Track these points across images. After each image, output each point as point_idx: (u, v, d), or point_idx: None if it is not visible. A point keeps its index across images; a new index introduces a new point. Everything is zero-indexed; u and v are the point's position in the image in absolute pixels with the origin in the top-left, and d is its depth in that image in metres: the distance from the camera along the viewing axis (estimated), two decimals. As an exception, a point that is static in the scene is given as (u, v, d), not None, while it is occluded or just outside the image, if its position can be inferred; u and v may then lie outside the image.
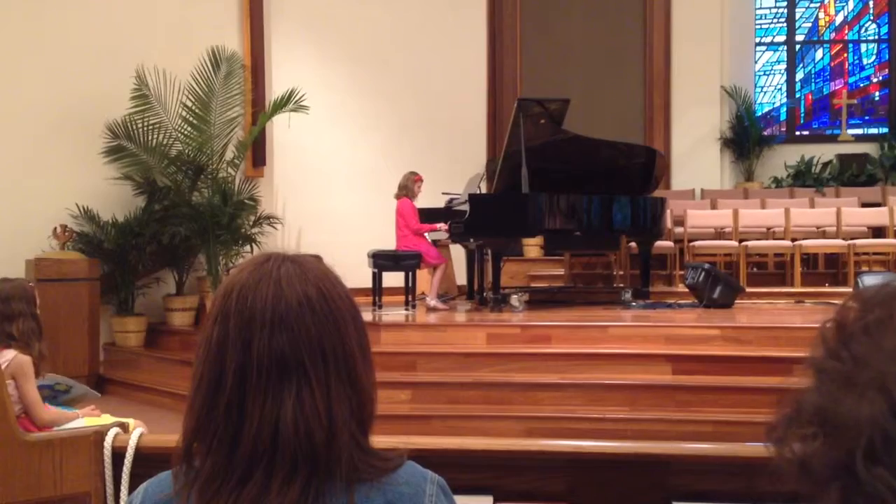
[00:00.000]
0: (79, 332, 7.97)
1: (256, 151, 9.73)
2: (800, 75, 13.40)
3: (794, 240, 9.66)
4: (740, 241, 9.74)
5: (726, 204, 10.70)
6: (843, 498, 0.59)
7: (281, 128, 9.74)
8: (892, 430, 0.56)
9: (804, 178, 12.36)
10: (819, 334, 0.66)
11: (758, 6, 13.30)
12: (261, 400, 1.14)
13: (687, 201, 11.23)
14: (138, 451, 1.92)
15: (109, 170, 8.68)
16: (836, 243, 9.61)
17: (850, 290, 8.22)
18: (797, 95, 13.37)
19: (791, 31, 13.37)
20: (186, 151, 8.85)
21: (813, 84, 13.39)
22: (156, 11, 9.15)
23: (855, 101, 13.06)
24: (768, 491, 0.65)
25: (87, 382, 7.93)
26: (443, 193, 9.02)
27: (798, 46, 13.41)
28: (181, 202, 8.70)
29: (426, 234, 8.48)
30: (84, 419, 4.10)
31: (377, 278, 8.46)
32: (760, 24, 13.35)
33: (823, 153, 12.58)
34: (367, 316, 7.41)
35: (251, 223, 9.08)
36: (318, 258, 1.28)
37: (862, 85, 13.28)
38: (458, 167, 10.55)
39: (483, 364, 6.56)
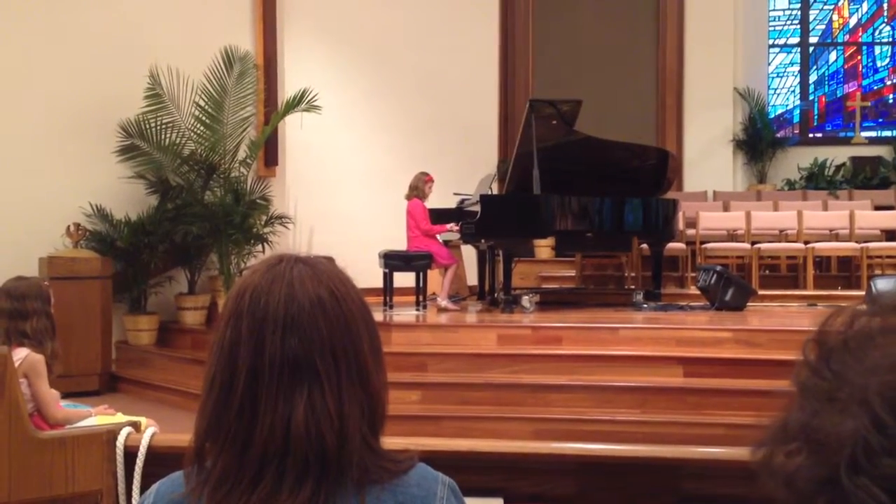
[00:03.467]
0: (91, 331, 8.00)
1: (269, 151, 9.75)
2: (813, 77, 13.35)
3: (806, 242, 9.62)
4: (752, 243, 9.71)
5: (739, 206, 10.66)
6: None
7: (293, 128, 9.76)
8: (874, 441, 0.57)
9: (817, 181, 12.31)
10: (802, 351, 0.67)
11: (771, 8, 13.26)
12: (272, 401, 1.15)
13: (699, 203, 11.19)
14: (150, 450, 1.93)
15: (122, 169, 8.72)
16: (849, 246, 9.57)
17: (862, 293, 8.18)
18: (810, 97, 13.32)
19: (805, 32, 13.32)
20: (199, 151, 8.88)
21: (826, 86, 13.34)
22: (169, 11, 9.19)
23: (869, 104, 13.00)
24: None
25: (99, 381, 8.01)
26: (454, 194, 9.03)
27: (812, 48, 13.36)
28: (193, 201, 8.73)
29: (437, 235, 8.48)
30: (96, 417, 4.11)
31: (388, 278, 8.47)
32: (774, 26, 13.30)
33: (836, 156, 12.52)
34: (377, 316, 7.40)
35: (263, 223, 9.11)
36: (330, 260, 1.29)
37: (876, 87, 13.22)
38: (469, 168, 10.55)
39: (493, 365, 6.56)
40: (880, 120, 13.08)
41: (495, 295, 8.89)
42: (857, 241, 9.63)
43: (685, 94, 12.38)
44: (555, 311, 8.14)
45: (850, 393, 0.61)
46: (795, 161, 12.66)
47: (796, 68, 13.36)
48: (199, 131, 8.91)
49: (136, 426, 2.06)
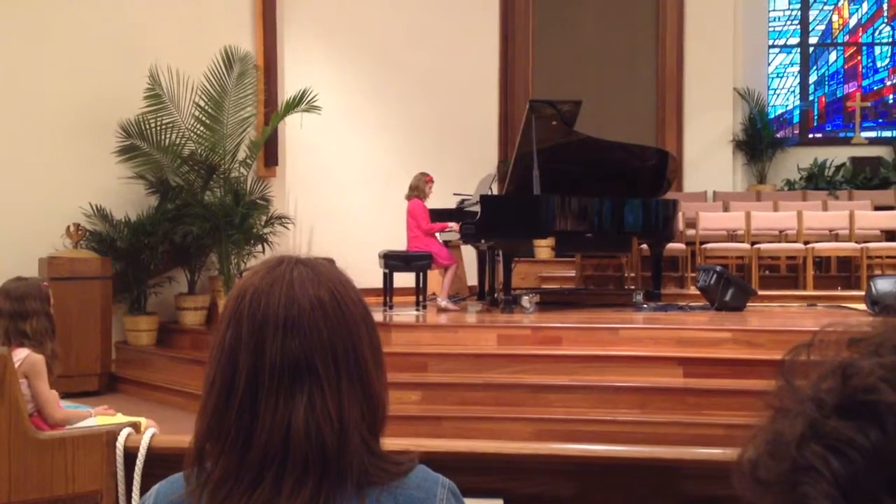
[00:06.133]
0: (91, 331, 8.00)
1: (268, 151, 9.75)
2: (813, 78, 13.35)
3: (806, 243, 9.62)
4: (752, 243, 9.71)
5: (738, 206, 10.66)
6: (791, 497, 0.64)
7: (293, 128, 9.76)
8: (818, 418, 0.63)
9: (817, 181, 12.32)
10: (773, 384, 0.72)
11: (771, 8, 13.26)
12: (273, 403, 1.15)
13: (699, 203, 11.20)
14: (150, 451, 1.93)
15: (122, 169, 8.72)
16: (849, 246, 9.58)
17: (862, 293, 8.18)
18: (810, 98, 13.32)
19: (804, 33, 13.33)
20: (199, 151, 8.88)
21: (826, 86, 13.34)
22: (169, 11, 9.19)
23: (868, 104, 13.00)
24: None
25: (98, 381, 8.01)
26: (454, 194, 9.03)
27: (811, 49, 13.36)
28: (193, 202, 8.73)
29: (437, 235, 8.48)
30: (96, 418, 4.11)
31: (388, 279, 8.47)
32: (774, 27, 13.31)
33: (836, 156, 12.53)
34: (377, 316, 7.39)
35: (263, 223, 9.11)
36: (330, 261, 1.29)
37: (875, 88, 13.23)
38: (469, 168, 10.55)
39: (493, 365, 6.56)
40: (880, 120, 13.08)
41: (495, 295, 8.90)
42: (856, 242, 9.63)
43: (685, 95, 12.38)
44: (555, 312, 8.14)
45: (801, 399, 0.66)
46: (795, 161, 12.67)
47: (796, 69, 13.36)
48: (199, 132, 8.91)
49: (135, 427, 2.06)
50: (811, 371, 0.68)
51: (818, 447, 0.62)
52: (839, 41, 13.36)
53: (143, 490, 1.85)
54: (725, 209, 10.82)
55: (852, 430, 0.61)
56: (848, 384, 0.64)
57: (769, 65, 13.29)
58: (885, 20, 13.23)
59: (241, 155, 9.06)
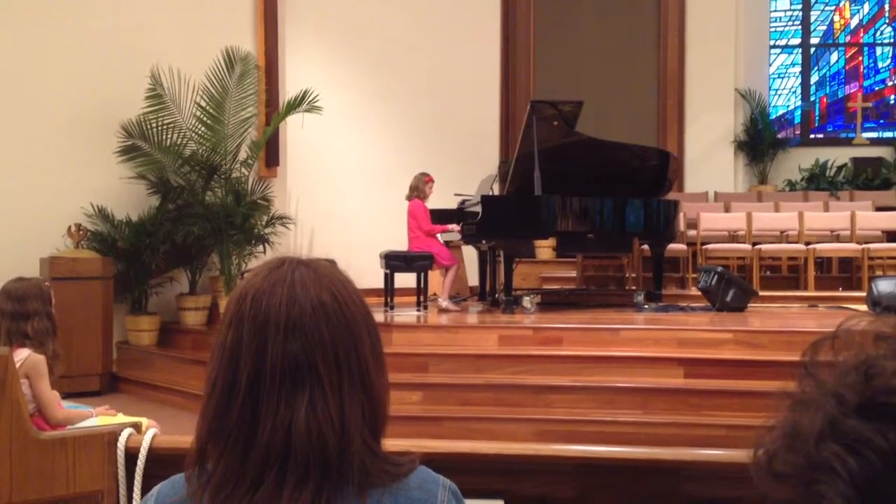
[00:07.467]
0: (92, 331, 8.00)
1: (270, 152, 9.75)
2: (814, 78, 13.35)
3: (807, 243, 9.62)
4: (754, 244, 9.71)
5: (740, 207, 10.66)
6: (806, 492, 0.65)
7: (294, 128, 9.76)
8: (838, 416, 0.64)
9: (818, 182, 12.32)
10: (796, 375, 0.73)
11: (772, 9, 13.26)
12: (274, 405, 1.15)
13: (700, 204, 11.20)
14: (151, 451, 1.93)
15: (124, 169, 8.72)
16: (850, 247, 9.57)
17: (863, 294, 8.18)
18: (812, 98, 13.32)
19: (806, 33, 13.32)
20: (200, 151, 8.88)
21: (828, 87, 13.34)
22: (171, 12, 9.19)
23: (870, 105, 13.01)
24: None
25: (100, 381, 8.02)
26: (455, 195, 9.02)
27: (813, 49, 13.36)
28: (195, 202, 8.73)
29: (438, 235, 8.48)
30: (97, 418, 4.11)
31: (389, 279, 8.46)
32: (775, 27, 13.30)
33: (838, 156, 12.53)
34: (378, 317, 7.41)
35: (264, 223, 9.11)
36: (332, 262, 1.29)
37: (877, 88, 13.23)
38: (470, 168, 10.55)
39: (495, 366, 6.56)
40: (881, 121, 13.08)
41: (496, 296, 8.89)
42: (858, 242, 9.63)
43: (686, 95, 12.38)
44: (556, 312, 8.14)
45: (823, 392, 0.67)
46: (796, 162, 12.67)
47: (797, 69, 13.36)
48: (200, 132, 8.91)
49: (137, 427, 2.07)
50: (835, 363, 0.69)
51: (836, 446, 0.63)
52: (840, 42, 13.36)
53: (145, 490, 1.85)
54: (726, 210, 10.82)
55: (871, 432, 0.62)
56: (870, 384, 0.64)
57: (770, 65, 13.29)
58: (887, 21, 13.23)
59: (242, 155, 9.06)
